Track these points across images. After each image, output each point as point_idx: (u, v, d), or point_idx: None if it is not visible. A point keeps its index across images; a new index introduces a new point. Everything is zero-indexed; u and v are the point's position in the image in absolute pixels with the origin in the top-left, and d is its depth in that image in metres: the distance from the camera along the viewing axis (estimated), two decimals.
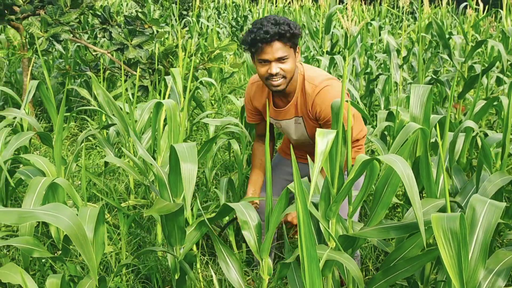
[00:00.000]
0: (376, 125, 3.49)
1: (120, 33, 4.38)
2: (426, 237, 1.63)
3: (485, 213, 1.30)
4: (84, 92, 4.18)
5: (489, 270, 1.38)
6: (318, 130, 1.52)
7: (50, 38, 4.09)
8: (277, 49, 2.08)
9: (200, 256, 2.53)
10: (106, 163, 2.98)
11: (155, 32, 4.47)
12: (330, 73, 4.46)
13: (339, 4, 6.40)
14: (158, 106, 2.21)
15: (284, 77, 2.13)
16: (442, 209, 1.76)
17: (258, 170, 2.48)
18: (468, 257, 1.21)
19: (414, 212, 1.36)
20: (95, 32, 6.88)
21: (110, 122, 2.94)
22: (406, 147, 1.68)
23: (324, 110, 2.17)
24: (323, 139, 1.47)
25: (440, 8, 8.11)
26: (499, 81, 4.51)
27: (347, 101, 1.65)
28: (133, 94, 4.42)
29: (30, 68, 3.21)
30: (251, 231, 1.68)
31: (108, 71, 4.84)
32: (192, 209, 2.45)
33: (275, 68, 2.10)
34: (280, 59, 2.10)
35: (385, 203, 1.65)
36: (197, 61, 4.12)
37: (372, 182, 1.66)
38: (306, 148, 2.41)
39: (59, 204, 1.30)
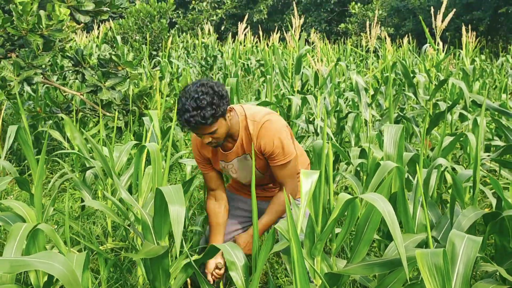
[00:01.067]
0: (349, 162, 3.59)
1: (93, 75, 4.41)
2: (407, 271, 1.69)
3: (464, 248, 1.37)
4: (56, 134, 4.16)
5: None
6: (302, 171, 1.58)
7: (22, 81, 4.08)
8: (204, 129, 2.14)
9: None
10: (83, 207, 2.95)
11: (129, 74, 4.51)
12: (302, 112, 4.58)
13: (306, 44, 6.61)
14: (141, 149, 2.24)
15: (217, 140, 2.22)
16: (421, 244, 1.83)
17: (216, 231, 2.42)
18: None
19: (396, 248, 1.42)
20: (64, 74, 6.88)
21: (88, 165, 2.94)
22: (385, 186, 1.76)
23: (267, 144, 2.25)
24: (308, 179, 1.53)
25: (401, 47, 8.48)
26: (462, 117, 4.71)
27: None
28: (107, 135, 4.42)
29: (2, 112, 3.19)
30: (238, 272, 1.71)
31: (80, 113, 4.83)
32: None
33: (206, 139, 2.19)
34: (209, 134, 2.17)
35: (367, 240, 1.72)
36: (172, 101, 4.17)
37: (354, 219, 1.72)
38: (259, 182, 2.49)
39: (51, 252, 1.31)
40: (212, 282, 2.25)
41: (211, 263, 2.23)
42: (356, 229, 1.74)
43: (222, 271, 2.24)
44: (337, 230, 1.86)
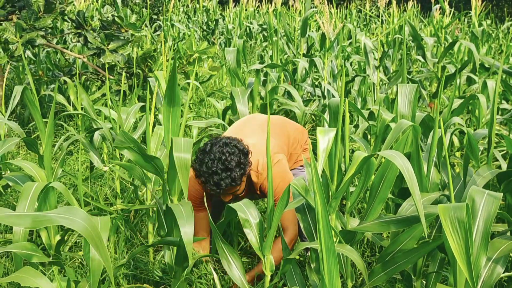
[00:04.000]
0: (358, 125, 3.56)
1: (96, 38, 4.33)
2: (422, 230, 1.69)
3: (484, 204, 1.36)
4: (60, 98, 4.11)
5: (488, 258, 1.45)
6: (318, 128, 1.56)
7: (25, 44, 4.01)
8: (231, 190, 2.09)
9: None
10: (91, 168, 2.94)
11: (132, 37, 4.44)
12: (308, 75, 4.52)
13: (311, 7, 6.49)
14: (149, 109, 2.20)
15: (237, 195, 2.18)
16: (435, 203, 1.82)
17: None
18: (473, 245, 1.27)
19: (415, 204, 1.41)
20: (64, 37, 6.77)
21: (95, 126, 2.91)
22: (401, 144, 1.74)
23: (274, 191, 2.16)
24: (324, 137, 1.51)
25: (406, 11, 8.33)
26: (469, 81, 4.66)
27: None
28: (111, 99, 4.38)
29: (6, 74, 3.15)
30: (253, 229, 1.71)
31: (83, 76, 4.77)
32: None
33: (228, 198, 2.15)
34: (233, 192, 2.14)
35: (381, 198, 1.71)
36: (176, 64, 4.11)
37: (369, 178, 1.71)
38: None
39: (72, 207, 1.29)
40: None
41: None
42: (371, 187, 1.73)
43: None
44: (351, 189, 1.85)
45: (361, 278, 2.35)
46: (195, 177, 2.13)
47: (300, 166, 2.65)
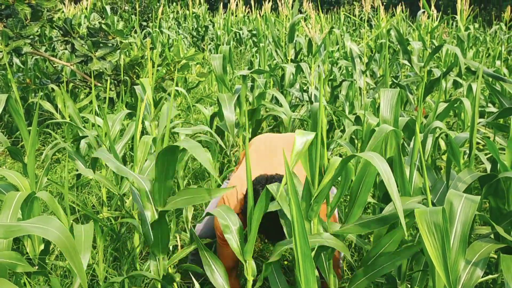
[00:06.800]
0: (344, 130, 3.58)
1: (83, 45, 4.33)
2: (403, 233, 1.70)
3: (462, 207, 1.37)
4: (47, 106, 4.10)
5: (467, 262, 1.45)
6: (298, 130, 1.57)
7: (11, 52, 4.00)
8: None
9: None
10: (78, 176, 2.93)
11: (119, 44, 4.44)
12: (296, 80, 4.54)
13: (299, 13, 6.53)
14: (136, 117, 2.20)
15: None
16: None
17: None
18: (450, 249, 1.27)
19: (393, 203, 1.41)
20: (53, 45, 6.75)
21: (81, 134, 2.90)
22: (378, 146, 1.75)
23: None
24: (302, 138, 1.52)
25: (395, 16, 8.39)
26: (456, 84, 4.70)
27: None
28: (99, 106, 4.37)
29: None
30: (233, 234, 1.71)
31: (71, 84, 4.76)
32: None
33: None
34: None
35: (361, 202, 1.70)
36: (164, 71, 4.12)
37: (348, 181, 1.72)
38: None
39: (46, 216, 1.29)
40: None
41: None
42: (350, 192, 1.74)
43: None
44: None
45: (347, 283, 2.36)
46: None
47: None
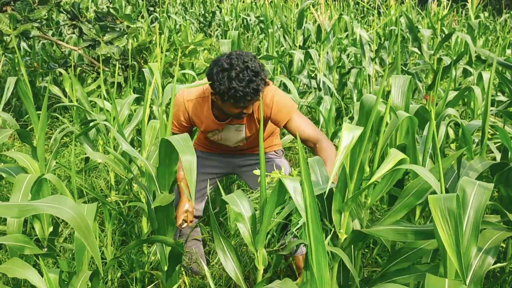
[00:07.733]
0: (352, 117, 3.56)
1: (91, 29, 4.31)
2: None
3: (475, 194, 1.36)
4: (55, 90, 4.10)
5: (478, 249, 1.45)
6: (345, 124, 1.48)
7: (19, 35, 3.99)
8: (255, 100, 2.09)
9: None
10: (86, 160, 2.93)
11: (127, 28, 4.42)
12: (304, 67, 4.51)
13: None
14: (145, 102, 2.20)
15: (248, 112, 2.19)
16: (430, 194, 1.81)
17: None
18: (463, 236, 1.27)
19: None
20: (60, 29, 6.74)
21: (89, 118, 2.90)
22: (387, 133, 1.72)
23: (282, 118, 2.26)
24: (349, 134, 1.41)
25: (404, 3, 8.30)
26: (465, 73, 4.66)
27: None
28: (107, 91, 4.36)
29: (0, 66, 3.13)
30: (245, 223, 1.69)
31: (78, 68, 4.75)
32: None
33: (250, 109, 2.16)
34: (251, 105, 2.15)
35: (408, 205, 1.61)
36: (172, 56, 4.10)
37: (394, 179, 1.61)
38: (237, 147, 2.49)
39: (59, 196, 1.29)
40: (183, 225, 2.29)
41: (181, 207, 2.27)
42: (403, 190, 1.64)
43: (191, 216, 2.29)
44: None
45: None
46: (222, 101, 2.11)
47: (274, 151, 2.64)
